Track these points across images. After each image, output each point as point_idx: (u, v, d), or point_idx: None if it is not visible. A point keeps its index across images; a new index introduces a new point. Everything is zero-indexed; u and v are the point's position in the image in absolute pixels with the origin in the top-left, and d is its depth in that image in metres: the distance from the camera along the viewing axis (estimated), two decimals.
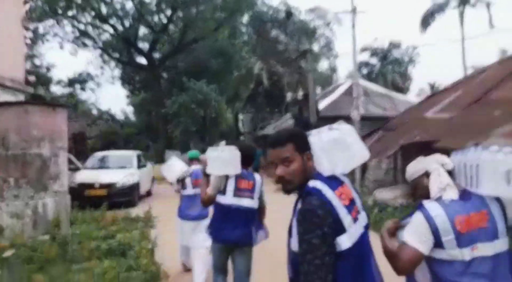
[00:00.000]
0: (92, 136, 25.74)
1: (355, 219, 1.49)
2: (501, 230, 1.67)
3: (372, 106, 17.83)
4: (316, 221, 1.36)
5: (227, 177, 3.18)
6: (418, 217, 1.70)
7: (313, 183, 1.48)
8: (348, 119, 16.51)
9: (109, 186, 9.57)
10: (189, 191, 4.61)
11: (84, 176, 9.95)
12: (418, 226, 1.68)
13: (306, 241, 1.36)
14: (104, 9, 18.64)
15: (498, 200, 1.71)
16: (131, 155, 11.80)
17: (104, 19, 19.89)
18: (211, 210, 3.49)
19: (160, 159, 22.24)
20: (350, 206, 1.50)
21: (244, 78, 38.59)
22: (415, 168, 1.93)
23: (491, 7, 26.71)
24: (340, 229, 1.40)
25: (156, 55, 24.59)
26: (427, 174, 1.86)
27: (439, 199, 1.73)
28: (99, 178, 9.72)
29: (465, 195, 1.73)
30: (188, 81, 23.11)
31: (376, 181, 9.73)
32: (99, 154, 12.05)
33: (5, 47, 9.52)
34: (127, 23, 20.31)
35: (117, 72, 27.95)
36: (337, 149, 1.57)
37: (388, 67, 35.62)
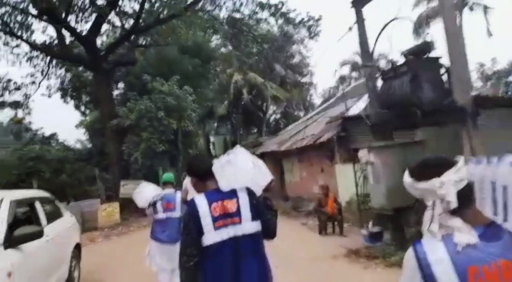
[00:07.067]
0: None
1: (219, 227, 2.04)
2: None
3: None
4: (185, 220, 2.18)
5: None
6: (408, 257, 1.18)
7: (196, 196, 2.16)
8: None
9: None
10: (160, 215, 4.52)
11: None
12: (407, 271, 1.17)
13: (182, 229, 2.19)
14: None
15: None
16: None
17: None
18: None
19: (113, 193, 14.67)
20: (219, 217, 2.06)
21: (222, 89, 31.71)
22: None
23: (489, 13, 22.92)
24: (200, 231, 2.04)
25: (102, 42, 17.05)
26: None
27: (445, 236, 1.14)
28: None
29: (489, 232, 1.09)
30: (152, 80, 15.97)
31: None
32: None
33: None
34: None
35: (55, 80, 20.03)
36: (229, 169, 2.11)
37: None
